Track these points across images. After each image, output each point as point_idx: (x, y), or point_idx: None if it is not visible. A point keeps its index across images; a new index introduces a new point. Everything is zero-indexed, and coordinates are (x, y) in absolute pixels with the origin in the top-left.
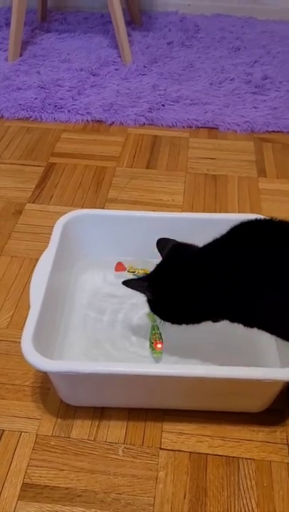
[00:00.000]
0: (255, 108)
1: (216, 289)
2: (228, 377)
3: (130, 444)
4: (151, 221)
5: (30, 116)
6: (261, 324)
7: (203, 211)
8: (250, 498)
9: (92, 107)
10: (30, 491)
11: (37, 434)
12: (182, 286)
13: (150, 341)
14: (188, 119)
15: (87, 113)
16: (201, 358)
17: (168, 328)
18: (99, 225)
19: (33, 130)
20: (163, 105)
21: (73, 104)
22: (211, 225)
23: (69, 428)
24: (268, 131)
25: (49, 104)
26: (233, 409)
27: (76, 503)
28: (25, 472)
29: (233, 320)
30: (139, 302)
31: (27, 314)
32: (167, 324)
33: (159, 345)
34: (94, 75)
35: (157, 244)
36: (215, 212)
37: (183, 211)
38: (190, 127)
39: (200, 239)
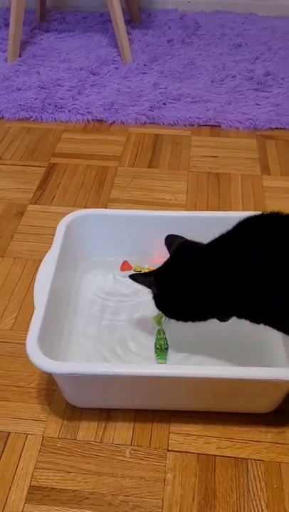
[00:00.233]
0: (258, 105)
1: (221, 287)
2: (237, 377)
3: (137, 446)
4: (155, 220)
5: (31, 117)
6: (268, 321)
7: (207, 210)
8: (259, 499)
9: (92, 107)
10: (37, 493)
11: (43, 436)
12: (188, 284)
13: (155, 346)
14: (189, 117)
15: (88, 112)
16: (207, 357)
17: (173, 327)
18: (102, 225)
19: (34, 130)
20: (164, 103)
21: (74, 104)
22: (215, 223)
23: (75, 430)
24: (271, 128)
25: (49, 104)
26: (240, 410)
27: (84, 505)
28: (32, 475)
29: (239, 316)
30: (144, 302)
31: (31, 316)
32: (172, 322)
33: (165, 351)
34: (94, 74)
35: (166, 240)
36: (219, 210)
37: (186, 210)
38: (192, 125)
39: (204, 237)
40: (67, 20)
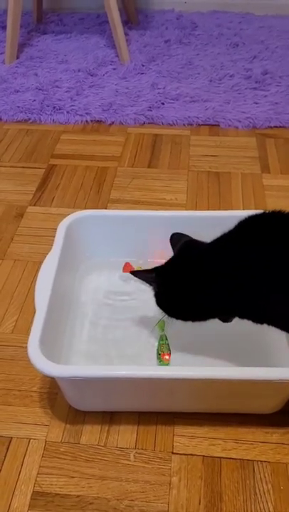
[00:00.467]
0: (256, 104)
1: (221, 286)
2: (241, 378)
3: (142, 449)
4: (156, 220)
5: (29, 119)
6: (269, 320)
7: (208, 209)
8: (266, 502)
9: (91, 108)
10: (40, 499)
11: (46, 441)
12: (188, 282)
13: (157, 352)
14: (188, 116)
15: (87, 113)
16: (210, 358)
17: (175, 328)
18: (102, 226)
19: (32, 132)
20: (163, 103)
21: (72, 105)
22: (216, 222)
23: (78, 434)
24: (270, 127)
25: (48, 106)
26: (245, 411)
27: (88, 511)
28: (35, 480)
29: (241, 316)
30: (146, 304)
31: (32, 318)
32: (175, 325)
33: (167, 357)
34: (92, 75)
35: (171, 239)
36: (219, 210)
37: (187, 210)
38: (191, 125)
39: (205, 237)
40: (65, 22)
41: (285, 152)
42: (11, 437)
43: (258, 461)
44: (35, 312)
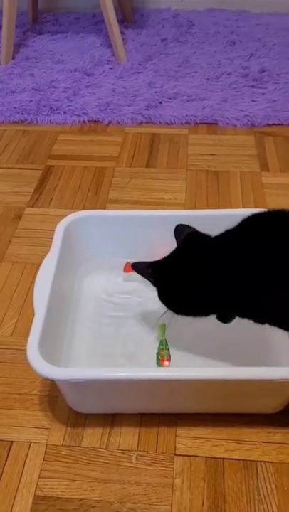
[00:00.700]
0: (254, 101)
1: (222, 282)
2: (243, 378)
3: (144, 451)
4: (155, 220)
5: (26, 119)
6: (271, 320)
7: (207, 208)
8: (270, 502)
9: (88, 107)
10: (42, 503)
11: (47, 444)
12: (189, 273)
13: (157, 357)
14: (186, 115)
15: (84, 113)
16: (210, 358)
17: (177, 330)
18: (101, 227)
19: (29, 133)
20: (160, 102)
21: (69, 105)
22: (215, 221)
23: (79, 437)
24: (269, 125)
25: (44, 106)
26: (248, 411)
27: None
28: (37, 484)
29: (242, 315)
30: (146, 305)
31: (31, 321)
32: (176, 324)
33: (166, 363)
34: (88, 75)
35: (175, 230)
36: (219, 208)
37: (186, 209)
38: (188, 124)
39: None
40: (60, 22)
41: (284, 150)
42: (12, 441)
43: (261, 461)
44: (34, 315)
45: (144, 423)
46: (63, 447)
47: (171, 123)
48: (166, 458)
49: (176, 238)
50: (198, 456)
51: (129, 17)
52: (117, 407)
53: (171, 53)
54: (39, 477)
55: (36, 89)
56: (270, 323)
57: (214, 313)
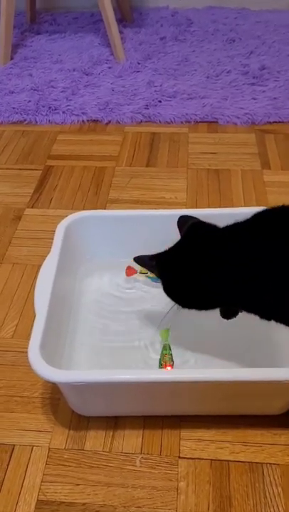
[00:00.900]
0: (255, 99)
1: (227, 275)
2: (248, 379)
3: (148, 454)
4: (156, 219)
5: (25, 120)
6: (277, 316)
7: (208, 207)
8: (277, 505)
9: (87, 107)
10: (45, 508)
11: (49, 448)
12: (191, 268)
13: (160, 362)
14: (186, 113)
15: (83, 113)
16: (214, 359)
17: (178, 328)
18: (102, 227)
19: (28, 133)
20: (160, 101)
21: (68, 105)
22: (217, 220)
23: (82, 440)
24: (269, 122)
25: (43, 106)
26: (253, 413)
27: None
28: (40, 489)
29: (248, 310)
30: (149, 306)
31: (32, 323)
32: (179, 327)
33: (169, 368)
34: (87, 75)
35: (178, 222)
36: (220, 207)
37: (187, 208)
38: (189, 122)
39: None
40: (58, 22)
41: (286, 148)
42: (14, 445)
43: (267, 463)
44: (35, 316)
45: (148, 425)
46: (66, 451)
47: (171, 122)
48: (171, 461)
49: (179, 230)
50: (203, 459)
51: (128, 16)
52: (120, 409)
53: (170, 52)
54: (42, 481)
55: (35, 90)
56: (276, 320)
57: (219, 306)
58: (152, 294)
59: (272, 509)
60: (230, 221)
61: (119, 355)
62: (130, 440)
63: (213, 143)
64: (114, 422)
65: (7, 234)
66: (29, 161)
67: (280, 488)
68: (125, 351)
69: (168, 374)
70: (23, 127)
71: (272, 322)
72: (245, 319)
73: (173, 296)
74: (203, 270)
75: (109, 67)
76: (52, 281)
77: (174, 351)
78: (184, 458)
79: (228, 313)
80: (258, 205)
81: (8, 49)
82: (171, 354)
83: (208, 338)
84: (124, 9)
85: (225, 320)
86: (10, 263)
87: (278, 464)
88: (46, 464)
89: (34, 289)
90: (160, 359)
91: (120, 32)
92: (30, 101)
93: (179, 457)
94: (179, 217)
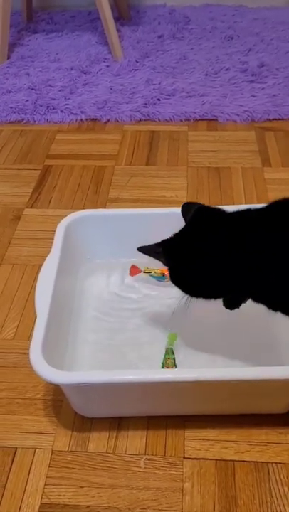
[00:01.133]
0: (254, 96)
1: (236, 261)
2: (253, 378)
3: (152, 455)
4: (157, 218)
5: (23, 119)
6: (285, 309)
7: (209, 205)
8: (283, 505)
9: (85, 106)
10: (49, 511)
11: (52, 450)
12: (201, 254)
13: (162, 366)
14: (185, 111)
15: (81, 112)
16: (218, 358)
17: (180, 327)
18: (102, 226)
19: (27, 133)
20: (158, 99)
21: (66, 104)
22: None
23: (86, 441)
24: (269, 120)
25: (41, 106)
26: (257, 412)
27: None
28: (43, 491)
29: (256, 299)
30: (151, 305)
31: (33, 324)
32: (185, 330)
33: None
34: (85, 73)
35: (182, 209)
36: (221, 205)
37: None
38: (188, 120)
39: None
40: (55, 20)
41: (286, 145)
42: (16, 447)
43: (272, 462)
44: (36, 317)
45: (152, 426)
46: (69, 453)
47: (171, 120)
48: (175, 461)
49: (184, 217)
50: (207, 459)
51: (125, 14)
52: (124, 410)
53: (168, 50)
54: (45, 484)
55: (32, 89)
56: (283, 312)
57: (227, 294)
58: (155, 293)
59: (278, 508)
60: None
61: (121, 355)
62: (134, 441)
63: (213, 141)
64: (117, 423)
65: (6, 234)
66: (28, 161)
67: (286, 488)
68: (128, 351)
69: (172, 374)
70: (21, 127)
71: (277, 319)
72: (252, 323)
73: (180, 284)
74: (213, 255)
75: (107, 66)
76: (52, 282)
77: (179, 354)
78: (189, 458)
79: (231, 303)
80: (259, 202)
81: (4, 48)
82: (174, 358)
83: (213, 340)
84: (122, 7)
85: (229, 321)
86: (10, 264)
87: (284, 463)
88: (49, 466)
89: (34, 289)
90: (162, 363)
91: (118, 30)
92: (28, 100)
93: (184, 458)
94: (182, 204)
